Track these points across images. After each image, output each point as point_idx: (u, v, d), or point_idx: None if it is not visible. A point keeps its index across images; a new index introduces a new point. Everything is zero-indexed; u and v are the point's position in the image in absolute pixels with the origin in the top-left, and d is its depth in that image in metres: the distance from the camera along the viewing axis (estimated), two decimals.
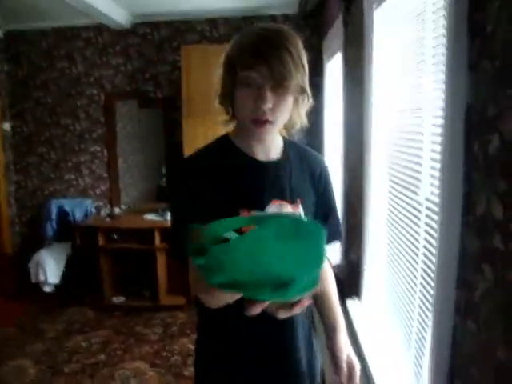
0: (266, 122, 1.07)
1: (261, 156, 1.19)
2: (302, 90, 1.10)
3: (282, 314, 0.93)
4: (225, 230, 0.85)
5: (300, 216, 1.14)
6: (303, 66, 1.06)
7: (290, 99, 1.08)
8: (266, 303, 0.88)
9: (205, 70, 3.82)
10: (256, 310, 0.89)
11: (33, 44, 4.72)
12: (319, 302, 1.31)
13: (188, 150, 3.93)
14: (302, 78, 1.06)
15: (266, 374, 1.22)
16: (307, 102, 1.15)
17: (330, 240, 1.35)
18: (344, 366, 1.18)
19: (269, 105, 1.03)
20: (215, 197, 1.15)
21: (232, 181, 1.16)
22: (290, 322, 1.18)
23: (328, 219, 1.30)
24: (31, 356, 3.46)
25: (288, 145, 1.25)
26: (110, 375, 3.16)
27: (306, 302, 0.93)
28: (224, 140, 1.23)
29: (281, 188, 1.18)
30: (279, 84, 1.02)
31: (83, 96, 4.76)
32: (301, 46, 1.07)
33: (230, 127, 1.22)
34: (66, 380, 3.12)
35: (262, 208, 1.15)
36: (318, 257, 0.86)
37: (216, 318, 1.20)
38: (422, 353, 1.26)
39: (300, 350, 1.23)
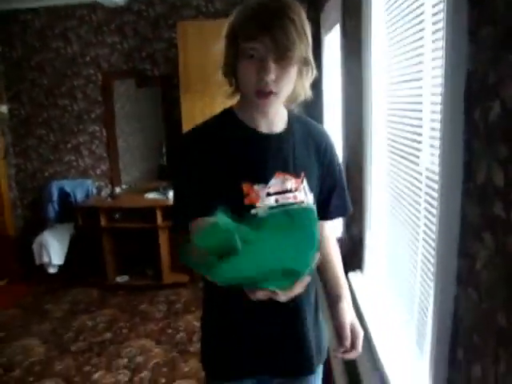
0: (270, 93, 1.05)
1: (264, 128, 1.18)
2: (306, 62, 1.08)
3: (284, 296, 0.94)
4: (220, 239, 0.87)
5: (288, 205, 1.14)
6: (306, 36, 1.04)
7: (293, 70, 1.06)
8: (267, 291, 0.90)
9: (201, 46, 3.78)
10: (258, 295, 0.91)
11: (26, 24, 4.65)
12: (323, 271, 1.32)
13: (187, 127, 3.84)
14: (306, 48, 1.05)
15: (272, 349, 1.23)
16: (311, 74, 1.13)
17: (336, 215, 1.36)
18: (348, 333, 1.18)
19: (272, 76, 1.02)
20: (217, 169, 1.14)
21: (234, 153, 1.16)
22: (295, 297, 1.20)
23: (333, 194, 1.29)
24: (38, 336, 3.51)
25: (292, 118, 1.24)
26: (116, 353, 3.21)
27: (306, 279, 0.94)
28: (227, 113, 1.22)
29: (284, 160, 1.18)
30: (282, 55, 1.01)
31: (80, 76, 4.71)
32: (304, 16, 1.05)
33: (234, 100, 1.21)
34: (73, 358, 3.17)
35: (266, 181, 1.15)
36: (313, 240, 0.88)
37: (222, 294, 1.19)
38: (425, 323, 1.26)
39: (306, 324, 1.24)
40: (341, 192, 1.31)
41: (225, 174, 1.14)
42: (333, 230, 1.42)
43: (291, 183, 1.17)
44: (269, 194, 1.15)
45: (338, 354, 1.20)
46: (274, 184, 1.16)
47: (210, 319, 1.32)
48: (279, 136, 1.19)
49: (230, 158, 1.15)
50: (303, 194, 1.19)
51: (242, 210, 1.13)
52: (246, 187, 1.14)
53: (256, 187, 1.14)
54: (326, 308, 1.35)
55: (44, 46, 4.67)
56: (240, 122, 1.18)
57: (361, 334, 1.21)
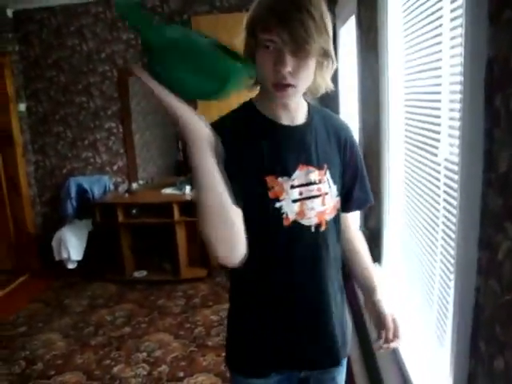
0: (287, 85, 1.04)
1: (285, 120, 1.17)
2: (326, 54, 1.06)
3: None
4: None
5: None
6: (326, 28, 1.02)
7: (311, 63, 1.04)
8: None
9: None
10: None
11: (42, 23, 4.70)
12: (352, 264, 1.33)
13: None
14: (325, 40, 1.02)
15: (300, 341, 1.22)
16: (332, 66, 1.11)
17: (358, 207, 1.36)
18: (390, 323, 1.19)
19: (288, 68, 1.00)
20: (241, 163, 1.12)
21: (257, 146, 1.14)
22: (324, 286, 1.20)
23: (355, 185, 1.29)
24: (59, 330, 3.56)
25: (313, 110, 1.23)
26: (135, 347, 3.24)
27: None
28: (247, 106, 1.21)
29: (307, 153, 1.17)
30: (300, 48, 0.99)
31: (96, 73, 4.75)
32: (324, 7, 1.03)
33: (253, 93, 1.20)
34: (93, 352, 3.20)
35: (289, 173, 1.14)
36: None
37: (249, 287, 1.21)
38: (445, 316, 1.25)
39: (333, 316, 1.23)
40: (362, 183, 1.31)
41: (248, 167, 1.13)
42: (366, 247, 1.41)
43: (315, 175, 1.16)
44: (293, 187, 1.14)
45: (380, 345, 1.21)
46: (298, 176, 1.15)
47: (236, 314, 1.31)
48: (301, 128, 1.18)
49: (253, 151, 1.14)
50: (327, 186, 1.18)
51: (267, 204, 1.13)
52: (270, 180, 1.13)
53: (280, 180, 1.13)
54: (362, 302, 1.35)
55: (60, 43, 4.72)
56: (261, 115, 1.17)
57: (400, 322, 1.21)
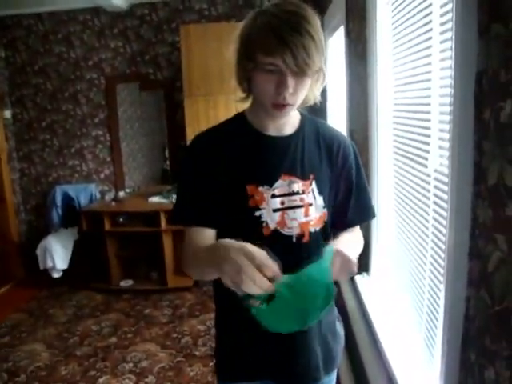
0: (287, 105, 1.07)
1: (272, 131, 1.19)
2: (319, 70, 1.09)
3: None
4: None
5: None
6: (322, 47, 1.04)
7: (309, 81, 1.08)
8: None
9: (205, 49, 3.78)
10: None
11: (29, 29, 4.68)
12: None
13: (191, 131, 3.91)
14: (321, 59, 1.05)
15: (280, 355, 1.22)
16: (322, 81, 1.15)
17: (357, 220, 1.32)
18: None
19: (290, 90, 1.03)
20: (223, 171, 1.15)
21: (239, 155, 1.16)
22: None
23: (351, 197, 1.26)
24: (43, 340, 3.50)
25: (305, 121, 1.24)
26: (121, 357, 3.19)
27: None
28: (239, 117, 1.24)
29: (291, 162, 1.17)
30: (302, 71, 1.01)
31: (83, 80, 4.73)
32: (320, 26, 1.05)
33: (246, 104, 1.22)
34: (78, 363, 3.15)
35: (270, 182, 1.15)
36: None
37: (231, 297, 1.18)
38: (435, 326, 1.25)
39: (313, 331, 1.22)
40: (360, 195, 1.28)
41: (229, 175, 1.15)
42: (358, 238, 1.34)
43: (298, 186, 1.17)
44: (274, 196, 1.15)
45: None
46: (280, 186, 1.15)
47: (219, 322, 1.33)
48: (287, 138, 1.19)
49: (235, 159, 1.16)
50: (312, 197, 1.18)
51: (246, 212, 1.14)
52: (250, 189, 1.14)
53: (261, 189, 1.14)
54: None
55: (47, 50, 4.69)
56: (249, 126, 1.20)
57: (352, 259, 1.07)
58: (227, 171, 1.15)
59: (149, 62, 4.61)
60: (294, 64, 0.99)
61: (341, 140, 1.26)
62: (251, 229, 1.15)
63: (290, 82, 1.02)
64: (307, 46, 0.99)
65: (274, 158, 1.17)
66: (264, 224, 1.15)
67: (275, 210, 1.15)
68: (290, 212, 1.16)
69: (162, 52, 4.58)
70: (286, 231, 1.16)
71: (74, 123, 4.82)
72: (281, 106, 1.07)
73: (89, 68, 4.70)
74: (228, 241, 0.94)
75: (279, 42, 0.98)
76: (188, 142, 1.27)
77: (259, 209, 1.14)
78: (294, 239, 1.17)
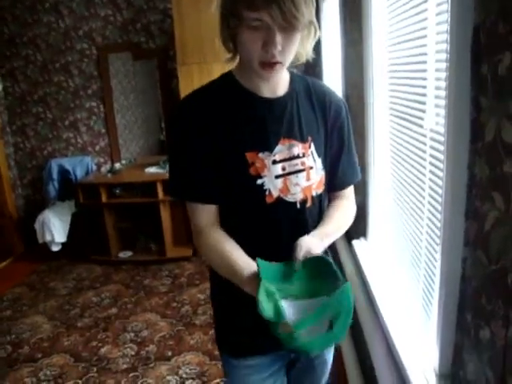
0: (276, 63, 1.00)
1: (266, 93, 1.12)
2: (310, 24, 1.02)
3: None
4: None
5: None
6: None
7: (298, 36, 1.01)
8: None
9: (197, 16, 3.69)
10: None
11: None
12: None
13: None
14: (311, 11, 0.98)
15: None
16: (314, 35, 1.08)
17: (346, 182, 1.29)
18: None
19: (279, 47, 0.96)
20: (218, 139, 1.09)
21: (235, 121, 1.10)
22: None
23: (341, 157, 1.23)
24: (44, 313, 3.54)
25: (295, 79, 1.18)
26: (122, 328, 3.23)
27: None
28: (227, 78, 1.16)
29: (289, 125, 1.13)
30: (290, 25, 0.94)
31: (74, 51, 4.64)
32: None
33: (233, 64, 1.15)
34: (80, 334, 3.19)
35: (270, 148, 1.10)
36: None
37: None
38: (431, 288, 1.24)
39: None
40: (350, 155, 1.25)
41: (226, 143, 1.09)
42: (351, 205, 1.32)
43: (298, 149, 1.13)
44: (275, 162, 1.10)
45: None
46: (280, 151, 1.11)
47: (219, 295, 1.29)
48: (282, 99, 1.14)
49: (232, 126, 1.10)
50: (312, 160, 1.15)
51: (248, 181, 1.09)
52: (250, 156, 1.09)
53: (261, 155, 1.10)
54: None
55: (36, 20, 4.58)
56: (240, 87, 1.13)
57: (308, 247, 1.06)
58: (223, 139, 1.09)
59: (141, 30, 4.51)
60: (282, 18, 0.92)
61: (332, 95, 1.23)
62: (254, 198, 1.11)
63: (278, 37, 0.95)
64: None
65: (271, 122, 1.12)
66: (267, 192, 1.10)
67: (277, 177, 1.11)
68: (293, 177, 1.13)
69: (153, 20, 4.47)
70: (289, 197, 1.13)
71: (67, 95, 4.75)
72: (269, 65, 1.00)
73: (79, 38, 4.60)
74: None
75: None
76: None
77: (261, 177, 1.09)
78: (298, 205, 1.14)
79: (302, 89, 1.18)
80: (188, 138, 1.10)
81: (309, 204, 1.16)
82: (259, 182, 1.09)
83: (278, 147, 1.11)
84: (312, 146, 1.15)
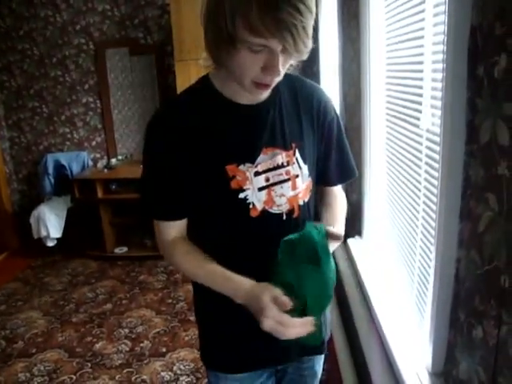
0: (272, 84, 0.96)
1: (246, 100, 1.05)
2: None
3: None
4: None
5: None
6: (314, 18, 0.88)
7: None
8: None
9: (195, 12, 3.66)
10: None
11: None
12: (323, 214, 1.21)
13: None
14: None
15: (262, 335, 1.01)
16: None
17: (341, 179, 1.27)
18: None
19: (280, 70, 0.90)
20: (195, 153, 1.02)
21: (212, 132, 1.03)
22: None
23: (332, 155, 1.19)
24: (39, 308, 3.53)
25: (279, 82, 1.04)
26: (117, 324, 3.23)
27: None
28: (204, 83, 1.08)
29: (270, 133, 1.06)
30: (301, 53, 0.88)
31: (71, 46, 4.61)
32: None
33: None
34: (75, 329, 3.19)
35: (252, 159, 1.05)
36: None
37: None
38: (425, 287, 1.25)
39: None
40: (342, 153, 1.22)
41: (205, 157, 1.02)
42: (342, 206, 1.30)
43: (282, 157, 1.07)
44: (257, 173, 1.05)
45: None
46: (263, 160, 1.05)
47: (203, 309, 1.24)
48: (263, 106, 1.06)
49: (210, 138, 1.03)
50: (297, 168, 1.10)
51: (229, 195, 1.04)
52: (230, 169, 1.03)
53: (242, 168, 1.03)
54: None
55: (33, 15, 4.55)
56: (218, 95, 1.05)
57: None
58: (201, 153, 1.02)
59: (138, 25, 4.50)
60: (295, 49, 0.84)
61: (320, 94, 1.17)
62: (237, 213, 1.06)
63: (281, 61, 0.88)
64: (307, 25, 0.82)
65: (252, 131, 1.05)
66: (251, 206, 1.05)
67: (261, 189, 1.05)
68: (277, 188, 1.07)
69: (151, 15, 4.46)
70: (274, 209, 1.07)
71: (64, 90, 4.73)
72: (265, 85, 0.94)
73: (76, 33, 4.57)
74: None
75: (276, 25, 0.80)
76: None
77: (243, 190, 1.03)
78: (285, 216, 1.09)
79: (286, 91, 1.11)
80: (161, 155, 1.04)
81: (296, 214, 1.11)
82: (241, 195, 1.04)
83: (261, 157, 1.05)
84: (297, 152, 1.09)
